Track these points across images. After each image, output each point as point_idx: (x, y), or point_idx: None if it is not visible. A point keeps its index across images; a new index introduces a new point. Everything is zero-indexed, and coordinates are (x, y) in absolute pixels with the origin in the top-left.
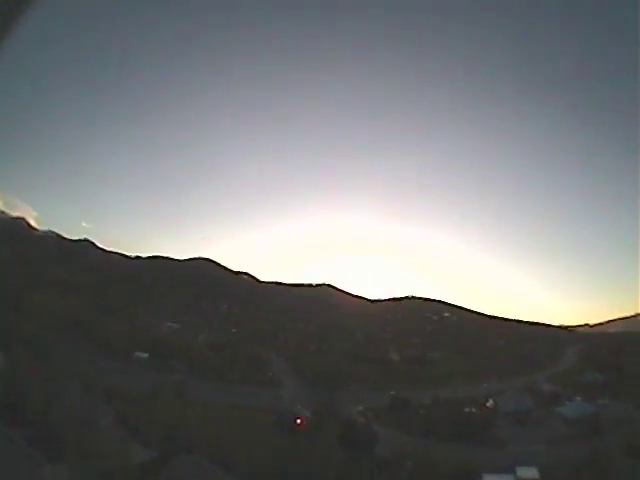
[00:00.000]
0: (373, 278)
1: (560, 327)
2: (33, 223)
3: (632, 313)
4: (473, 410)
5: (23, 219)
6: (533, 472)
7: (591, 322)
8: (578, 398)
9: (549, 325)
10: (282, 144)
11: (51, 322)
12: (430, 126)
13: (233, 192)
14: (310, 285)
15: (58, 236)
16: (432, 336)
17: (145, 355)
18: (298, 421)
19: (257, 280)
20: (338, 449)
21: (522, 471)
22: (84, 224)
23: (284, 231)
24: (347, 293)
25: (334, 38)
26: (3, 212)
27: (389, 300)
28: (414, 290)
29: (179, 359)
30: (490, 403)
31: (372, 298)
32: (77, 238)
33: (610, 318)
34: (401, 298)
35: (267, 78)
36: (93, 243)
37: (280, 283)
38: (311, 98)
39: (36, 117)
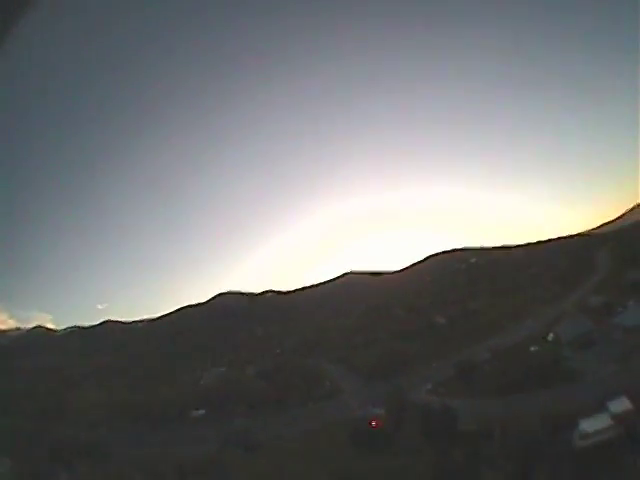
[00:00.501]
0: (390, 250)
1: (581, 234)
2: (51, 326)
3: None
4: (537, 349)
5: (41, 326)
6: (625, 403)
7: (605, 220)
8: (630, 302)
9: (570, 236)
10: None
11: (94, 416)
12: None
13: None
14: (333, 279)
15: (79, 328)
16: (468, 286)
17: (201, 412)
18: (373, 424)
19: (282, 293)
20: (423, 441)
21: (614, 405)
22: (99, 306)
23: (288, 237)
24: (370, 273)
25: None
26: (19, 328)
27: (413, 266)
28: (433, 248)
29: (235, 402)
30: (550, 336)
31: (396, 269)
32: (97, 323)
33: (619, 214)
34: (424, 260)
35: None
36: (114, 321)
37: (305, 288)
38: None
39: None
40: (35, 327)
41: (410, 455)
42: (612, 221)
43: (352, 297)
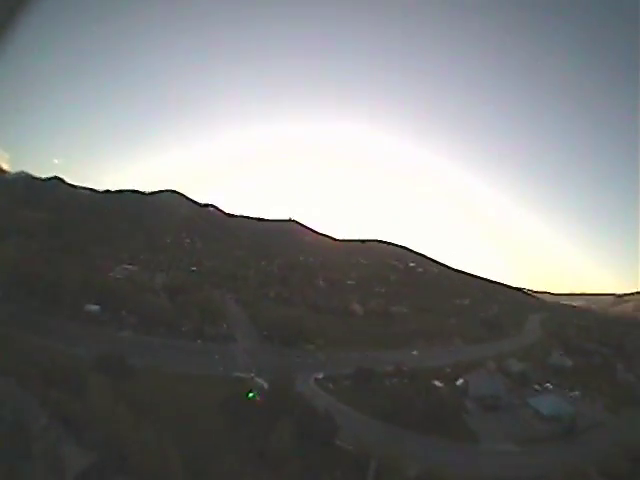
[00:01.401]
0: (339, 217)
1: (521, 290)
2: (5, 166)
3: (595, 292)
4: (441, 385)
5: None
6: None
7: (553, 291)
8: (548, 385)
9: (512, 287)
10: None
11: None
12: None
13: (205, 116)
14: (277, 220)
15: (30, 177)
16: (396, 286)
17: (96, 307)
18: (251, 394)
19: (224, 213)
20: (294, 444)
21: None
22: (55, 161)
23: (254, 161)
24: (313, 230)
25: None
26: None
27: (354, 241)
28: (379, 234)
29: (130, 309)
30: (460, 382)
31: (337, 238)
32: (47, 176)
33: (574, 292)
34: (366, 240)
35: None
36: (62, 180)
37: (247, 217)
38: None
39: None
40: None
41: (274, 460)
42: (562, 294)
43: (286, 245)
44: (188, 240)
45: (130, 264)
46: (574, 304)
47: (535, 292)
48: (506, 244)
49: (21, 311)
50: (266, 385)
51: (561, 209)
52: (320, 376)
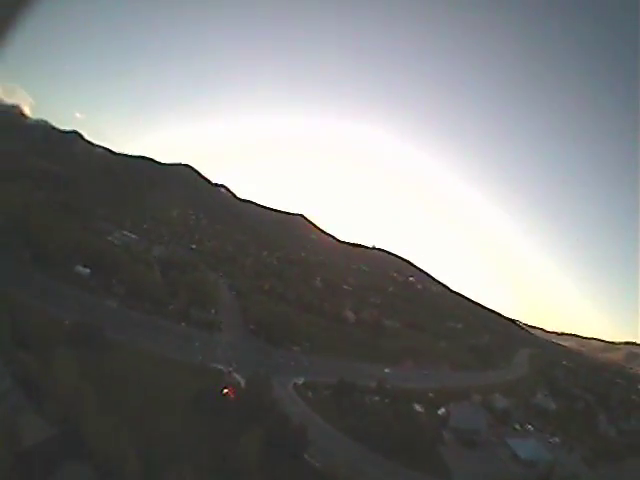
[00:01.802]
0: (349, 219)
1: (515, 322)
2: (28, 112)
3: (587, 335)
4: (422, 410)
5: (18, 107)
6: None
7: (546, 328)
8: (529, 426)
9: (506, 318)
10: None
11: None
12: None
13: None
14: (286, 212)
15: (50, 127)
16: (392, 298)
17: (86, 271)
18: (225, 391)
19: (234, 196)
20: (262, 450)
21: None
22: (77, 115)
23: (275, 150)
24: (319, 228)
25: None
26: None
27: (357, 246)
28: (384, 242)
29: (121, 279)
30: (442, 411)
31: (342, 240)
32: (67, 129)
33: (566, 332)
34: (370, 247)
35: None
36: (81, 135)
37: (256, 204)
38: None
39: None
40: (13, 105)
41: (235, 471)
42: (554, 333)
43: (289, 238)
44: (194, 217)
45: (130, 232)
46: (565, 344)
47: (528, 326)
48: (509, 274)
49: (9, 261)
50: (243, 383)
51: (566, 248)
52: (300, 382)
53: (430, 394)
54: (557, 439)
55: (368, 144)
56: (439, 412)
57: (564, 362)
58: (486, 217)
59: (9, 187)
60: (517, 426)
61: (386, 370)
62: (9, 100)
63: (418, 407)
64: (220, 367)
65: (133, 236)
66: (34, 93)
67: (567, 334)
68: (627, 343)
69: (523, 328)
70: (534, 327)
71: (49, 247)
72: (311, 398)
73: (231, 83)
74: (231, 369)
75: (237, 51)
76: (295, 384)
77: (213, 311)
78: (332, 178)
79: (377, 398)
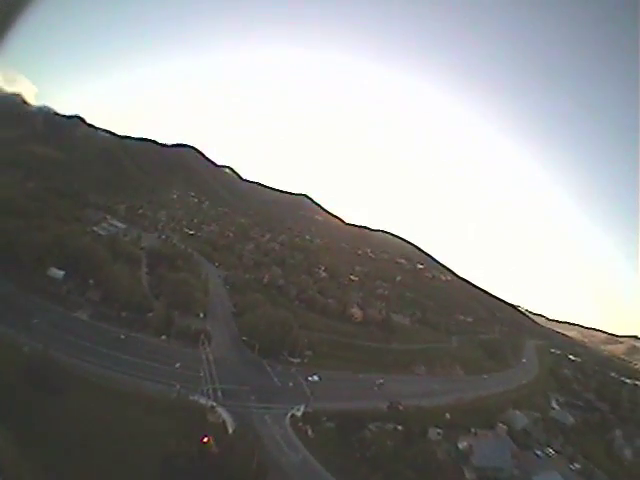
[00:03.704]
0: (354, 200)
1: (518, 310)
2: (31, 99)
3: (589, 325)
4: (439, 438)
5: (19, 95)
6: None
7: (549, 316)
8: (550, 450)
9: (511, 305)
10: None
11: None
12: None
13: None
14: (290, 193)
15: (52, 112)
16: (401, 288)
17: (59, 273)
18: (205, 439)
19: (239, 177)
20: None
21: None
22: (79, 99)
23: (279, 129)
24: (324, 209)
25: None
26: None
27: (363, 228)
28: (389, 225)
29: (98, 280)
30: (464, 446)
31: (347, 221)
32: (69, 114)
33: (568, 321)
34: (375, 230)
35: None
36: (83, 120)
37: (261, 184)
38: None
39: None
40: (14, 93)
41: None
42: (556, 321)
43: (294, 220)
44: (195, 199)
45: (123, 218)
46: (569, 334)
47: (531, 313)
48: (512, 258)
49: None
50: (230, 422)
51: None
52: (299, 412)
53: (447, 415)
54: (577, 464)
55: (376, 117)
56: (460, 446)
57: (571, 356)
58: (487, 197)
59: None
60: (539, 452)
61: (415, 374)
62: (10, 89)
63: (435, 433)
64: (202, 401)
65: (121, 225)
66: (38, 82)
67: (570, 323)
68: (630, 337)
69: (527, 316)
70: (536, 314)
71: (20, 249)
72: (311, 436)
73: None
74: (214, 404)
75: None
76: (292, 417)
77: (201, 315)
78: (338, 156)
79: (390, 426)
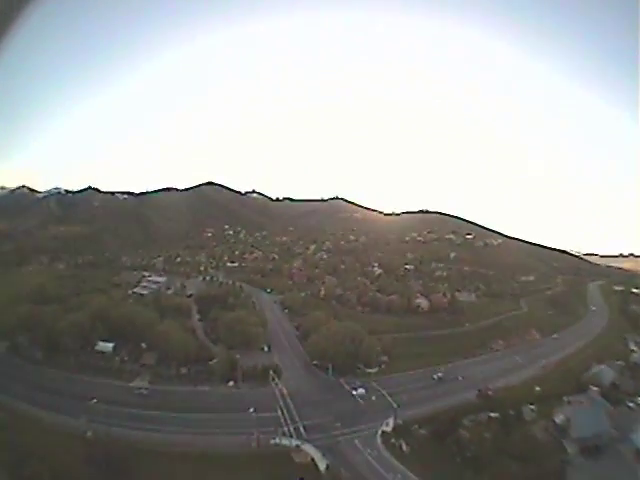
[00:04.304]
0: (386, 190)
1: (571, 254)
2: (37, 186)
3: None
4: (533, 416)
5: (24, 187)
6: None
7: (602, 253)
8: None
9: (566, 252)
10: None
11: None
12: None
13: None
14: (323, 200)
15: (63, 192)
16: (458, 264)
17: (109, 346)
18: None
19: (268, 198)
20: None
21: None
22: (88, 172)
23: (294, 143)
24: (360, 206)
25: None
26: (3, 187)
27: (404, 214)
28: (427, 204)
29: (150, 342)
30: (561, 419)
31: (386, 212)
32: (81, 188)
33: (621, 253)
34: (415, 212)
35: None
36: (97, 189)
37: (292, 199)
38: None
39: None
40: (19, 187)
41: None
42: (609, 256)
43: (334, 224)
44: (231, 232)
45: (163, 271)
46: (624, 266)
47: (583, 254)
48: (552, 202)
49: (25, 364)
50: (319, 458)
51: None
52: (389, 428)
53: (537, 388)
54: None
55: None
56: (557, 420)
57: (635, 290)
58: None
59: (20, 272)
60: (631, 404)
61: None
62: (13, 185)
63: (529, 411)
64: (285, 442)
65: (161, 279)
66: (41, 166)
67: (622, 255)
68: None
69: (581, 258)
70: (589, 254)
71: (58, 334)
72: (406, 451)
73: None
74: (299, 442)
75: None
76: (383, 434)
77: (265, 349)
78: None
79: (484, 416)
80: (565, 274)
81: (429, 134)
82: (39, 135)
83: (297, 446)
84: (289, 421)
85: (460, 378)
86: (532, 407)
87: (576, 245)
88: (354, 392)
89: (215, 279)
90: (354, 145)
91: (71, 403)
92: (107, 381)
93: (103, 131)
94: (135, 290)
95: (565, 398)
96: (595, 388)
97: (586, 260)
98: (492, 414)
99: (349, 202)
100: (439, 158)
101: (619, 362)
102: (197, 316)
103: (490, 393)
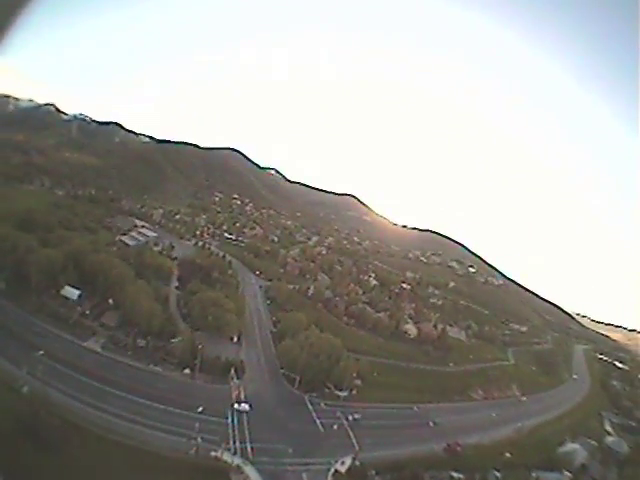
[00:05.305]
0: (401, 200)
1: (564, 311)
2: (65, 108)
3: (633, 327)
4: None
5: (52, 105)
6: None
7: (593, 317)
8: None
9: (560, 308)
10: None
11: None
12: None
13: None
14: (337, 193)
15: (88, 120)
16: (455, 296)
17: (74, 292)
18: None
19: (285, 178)
20: None
21: None
22: (117, 109)
23: (325, 129)
24: (371, 210)
25: None
26: (32, 100)
27: (412, 229)
28: (436, 225)
29: (117, 301)
30: None
31: (395, 222)
32: (106, 121)
33: (612, 322)
34: (423, 230)
35: None
36: (121, 126)
37: (307, 185)
38: None
39: None
40: (46, 104)
41: None
42: (600, 322)
43: (341, 221)
44: (239, 202)
45: (157, 224)
46: (613, 337)
47: (576, 314)
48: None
49: None
50: None
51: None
52: (343, 468)
53: (507, 454)
54: None
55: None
56: None
57: (618, 363)
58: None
59: (23, 189)
60: None
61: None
62: (42, 101)
63: (494, 478)
64: (226, 458)
65: (152, 233)
66: (72, 88)
67: (614, 325)
68: None
69: (573, 317)
70: (581, 315)
71: (29, 268)
72: None
73: None
74: (240, 461)
75: None
76: (336, 473)
77: (235, 338)
78: (384, 154)
79: (447, 475)
80: (555, 331)
81: (458, 157)
82: (81, 59)
83: (238, 466)
84: (237, 433)
85: (431, 424)
86: (498, 475)
87: (572, 304)
88: (316, 419)
89: (207, 247)
90: (382, 147)
91: (17, 347)
92: (61, 333)
93: (143, 72)
94: (122, 238)
95: (534, 474)
96: (567, 474)
97: (577, 320)
98: (455, 474)
99: (361, 202)
100: (458, 180)
101: (592, 442)
102: (175, 283)
103: (459, 449)
